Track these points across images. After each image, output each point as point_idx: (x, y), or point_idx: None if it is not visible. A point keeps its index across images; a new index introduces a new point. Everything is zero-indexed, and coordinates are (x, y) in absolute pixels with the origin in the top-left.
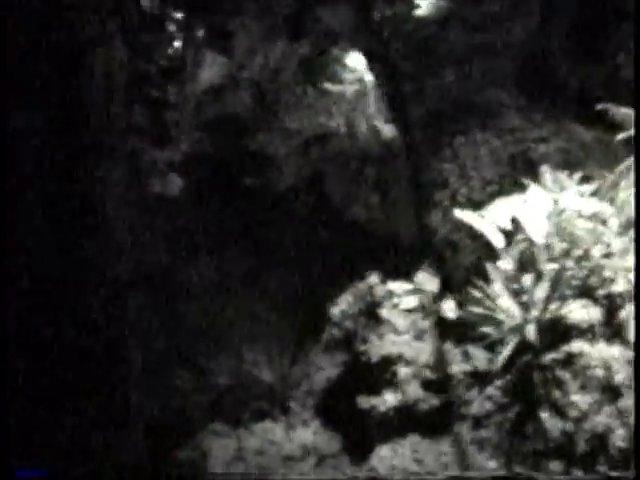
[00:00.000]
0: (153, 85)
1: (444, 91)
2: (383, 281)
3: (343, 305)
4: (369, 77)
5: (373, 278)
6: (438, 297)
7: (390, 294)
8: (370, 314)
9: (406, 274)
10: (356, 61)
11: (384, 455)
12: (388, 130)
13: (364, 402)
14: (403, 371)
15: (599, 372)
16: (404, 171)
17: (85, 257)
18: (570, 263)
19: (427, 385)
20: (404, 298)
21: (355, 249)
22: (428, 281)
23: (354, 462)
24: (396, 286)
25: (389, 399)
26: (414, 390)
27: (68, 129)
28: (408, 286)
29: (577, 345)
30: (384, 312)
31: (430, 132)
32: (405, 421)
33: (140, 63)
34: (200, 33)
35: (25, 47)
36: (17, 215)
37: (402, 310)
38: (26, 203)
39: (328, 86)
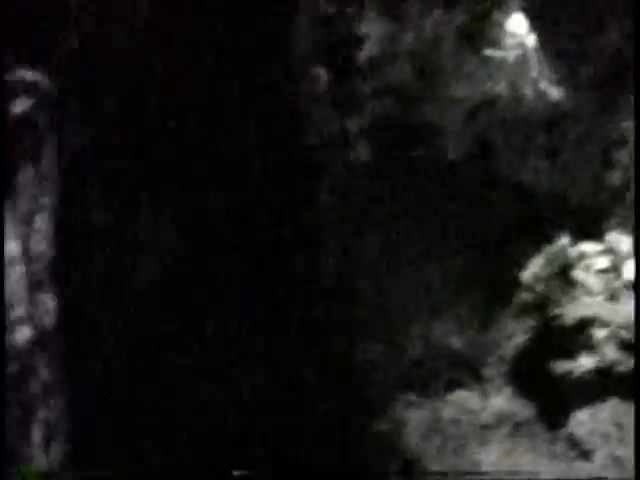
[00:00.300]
0: (335, 53)
1: (612, 48)
2: (574, 243)
3: (535, 268)
4: (531, 40)
5: (563, 240)
6: (630, 256)
7: (582, 255)
8: (563, 276)
9: (591, 236)
10: (517, 24)
11: (582, 420)
12: (555, 93)
13: (559, 367)
14: (599, 333)
15: None
16: (575, 133)
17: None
18: None
19: (625, 346)
20: (596, 259)
21: (529, 214)
22: (619, 241)
23: (550, 428)
24: (588, 247)
25: (585, 362)
26: (611, 352)
27: (268, 96)
28: (599, 247)
29: None
30: (577, 274)
31: (601, 92)
32: (602, 384)
33: (320, 31)
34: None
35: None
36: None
37: (595, 271)
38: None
39: (489, 52)
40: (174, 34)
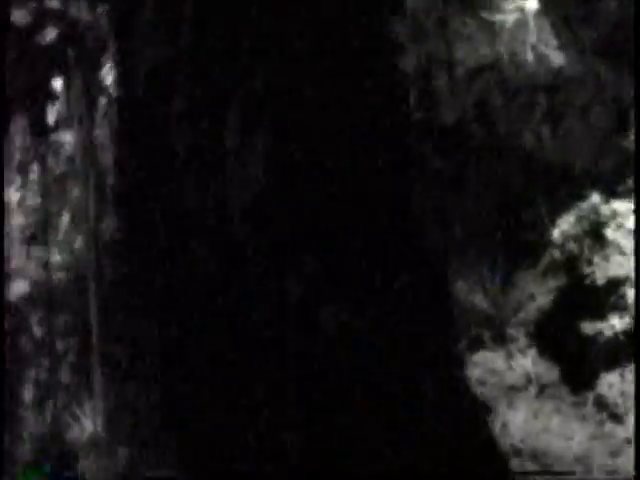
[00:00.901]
0: None
1: (616, 13)
2: (606, 201)
3: (564, 226)
4: (531, 4)
5: (595, 198)
6: None
7: (614, 214)
8: (594, 235)
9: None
10: None
11: (612, 382)
12: (557, 57)
13: (588, 327)
14: (631, 294)
15: None
16: (580, 97)
17: None
18: None
19: None
20: (629, 218)
21: (532, 178)
22: None
23: (576, 390)
24: (620, 205)
25: (616, 323)
26: None
27: None
28: (631, 205)
29: None
30: (609, 232)
31: (608, 56)
32: (633, 345)
33: None
34: None
35: None
36: None
37: (628, 230)
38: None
39: (488, 16)
40: None
